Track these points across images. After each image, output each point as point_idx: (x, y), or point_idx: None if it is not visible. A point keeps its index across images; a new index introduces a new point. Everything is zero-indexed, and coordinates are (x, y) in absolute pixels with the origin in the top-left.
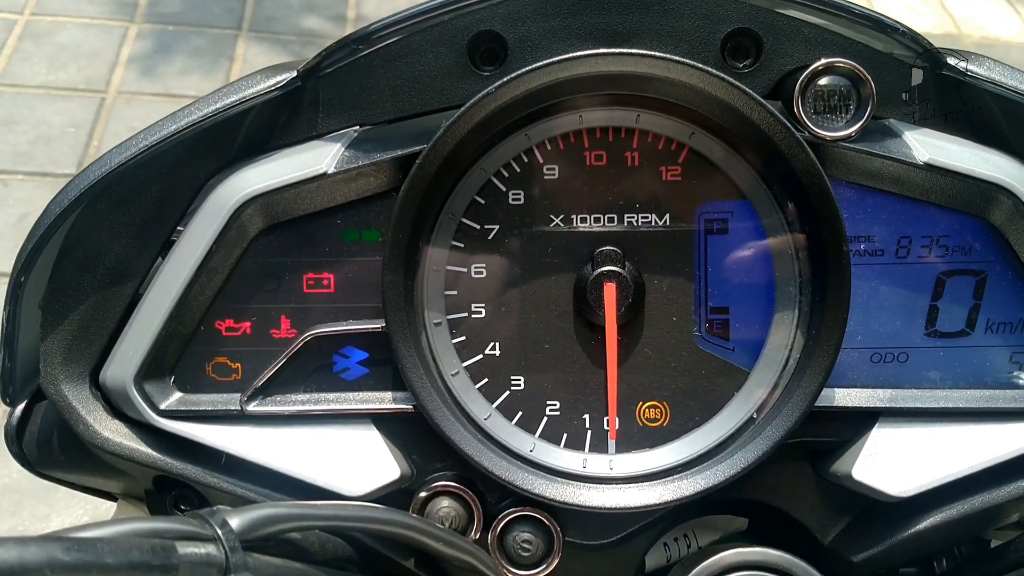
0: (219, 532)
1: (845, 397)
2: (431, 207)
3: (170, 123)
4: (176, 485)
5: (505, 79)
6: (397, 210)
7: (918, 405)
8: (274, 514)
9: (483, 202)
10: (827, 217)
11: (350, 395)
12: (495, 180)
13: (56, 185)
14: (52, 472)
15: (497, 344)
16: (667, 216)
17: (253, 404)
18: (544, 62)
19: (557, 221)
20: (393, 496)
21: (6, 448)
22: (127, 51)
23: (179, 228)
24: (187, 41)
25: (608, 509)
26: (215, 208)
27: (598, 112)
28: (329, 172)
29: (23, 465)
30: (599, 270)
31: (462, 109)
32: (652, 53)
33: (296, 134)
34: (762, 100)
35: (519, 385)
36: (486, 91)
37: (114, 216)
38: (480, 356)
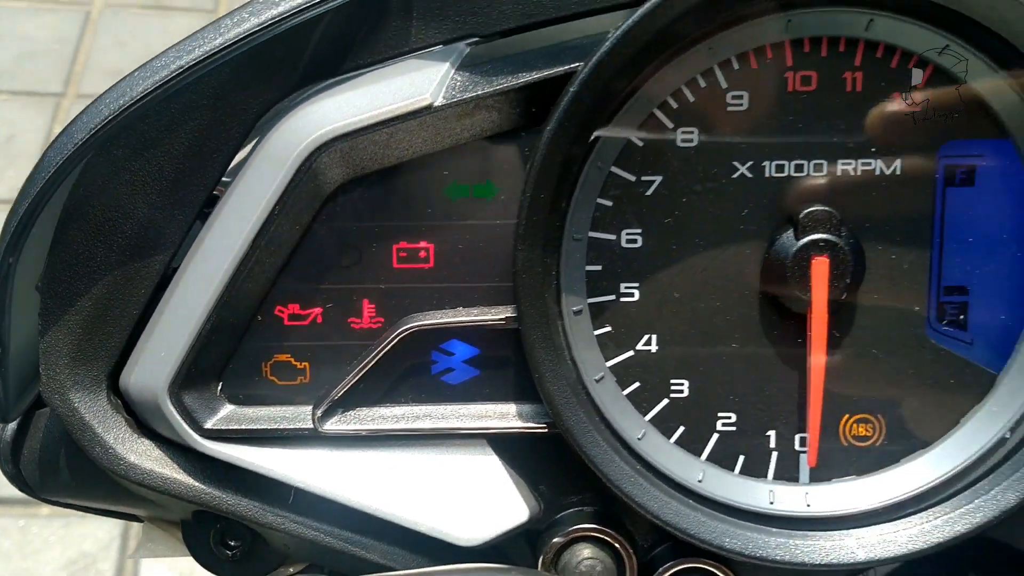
0: None
1: None
2: (579, 152)
3: (212, 35)
4: (222, 517)
5: None
6: (541, 155)
7: None
8: None
9: (641, 144)
10: None
11: (460, 408)
12: (659, 114)
13: (43, 106)
14: (60, 498)
15: (653, 337)
16: (898, 162)
17: (332, 420)
18: None
19: (743, 170)
20: (514, 541)
21: None
22: None
23: (225, 180)
24: None
25: (816, 567)
26: (279, 153)
27: (814, 16)
28: (436, 104)
29: (22, 490)
30: (806, 239)
31: (644, 8)
32: None
33: (381, 50)
34: None
35: (681, 391)
36: None
37: (136, 165)
38: (630, 353)
